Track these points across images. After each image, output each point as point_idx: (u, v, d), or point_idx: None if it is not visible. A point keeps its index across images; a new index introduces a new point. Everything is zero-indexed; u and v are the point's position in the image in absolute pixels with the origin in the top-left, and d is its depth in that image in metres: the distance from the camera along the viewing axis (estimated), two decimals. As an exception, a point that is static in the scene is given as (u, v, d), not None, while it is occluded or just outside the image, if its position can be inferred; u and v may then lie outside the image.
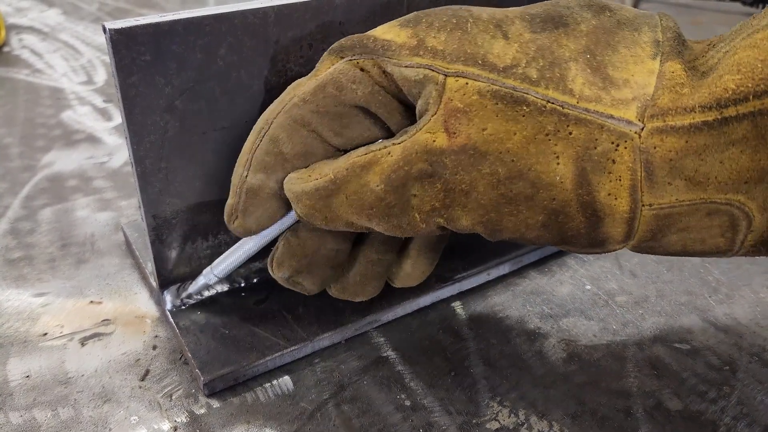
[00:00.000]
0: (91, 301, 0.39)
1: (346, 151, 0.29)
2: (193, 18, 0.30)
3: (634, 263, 0.43)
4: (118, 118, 0.62)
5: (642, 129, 0.25)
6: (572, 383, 0.34)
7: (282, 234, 0.32)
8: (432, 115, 0.26)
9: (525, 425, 0.32)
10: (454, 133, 0.26)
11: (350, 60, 0.28)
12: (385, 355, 0.36)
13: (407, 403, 0.33)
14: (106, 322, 0.37)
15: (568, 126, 0.25)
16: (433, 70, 0.26)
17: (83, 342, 0.36)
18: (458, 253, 0.41)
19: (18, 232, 0.45)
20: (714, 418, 0.32)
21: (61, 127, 0.60)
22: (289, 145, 0.29)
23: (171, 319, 0.36)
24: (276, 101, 0.30)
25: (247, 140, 0.30)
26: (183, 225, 0.35)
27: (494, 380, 0.34)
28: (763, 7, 0.90)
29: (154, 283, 0.37)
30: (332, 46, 0.29)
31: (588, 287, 0.41)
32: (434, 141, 0.26)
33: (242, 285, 0.38)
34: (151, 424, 0.31)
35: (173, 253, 0.36)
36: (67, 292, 0.40)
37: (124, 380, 0.34)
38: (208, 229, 0.36)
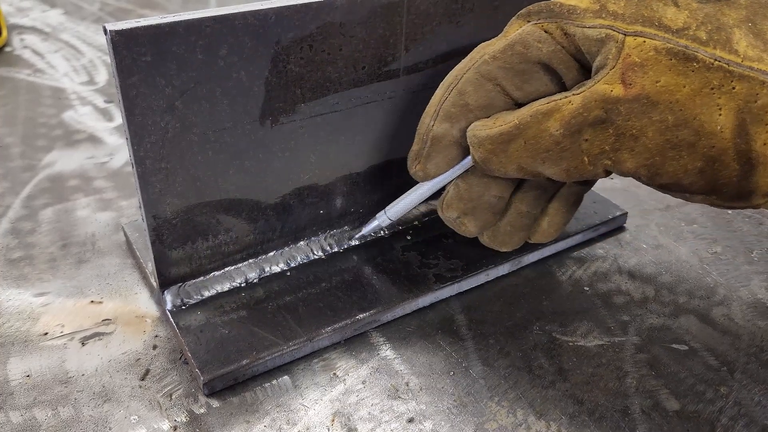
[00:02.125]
0: (92, 301, 0.39)
1: (521, 105, 0.33)
2: (193, 19, 0.30)
3: (632, 264, 0.43)
4: (119, 118, 0.62)
5: None
6: (570, 383, 0.34)
7: (452, 181, 0.36)
8: (611, 69, 0.30)
9: (523, 425, 0.32)
10: (630, 84, 0.29)
11: (536, 23, 0.32)
12: (384, 355, 0.36)
13: (406, 403, 0.33)
14: (106, 321, 0.38)
15: (732, 81, 0.29)
16: (614, 30, 0.30)
17: (83, 341, 0.36)
18: (457, 254, 0.41)
19: (19, 232, 0.45)
20: (711, 418, 0.32)
21: (63, 127, 0.60)
22: (474, 98, 0.33)
23: (171, 319, 0.36)
24: (465, 60, 0.34)
25: (434, 94, 0.35)
26: (183, 225, 0.35)
27: (492, 380, 0.34)
28: None
29: (155, 283, 0.37)
30: (520, 11, 0.33)
31: (586, 288, 0.41)
32: (611, 91, 0.30)
33: (242, 285, 0.38)
34: (151, 424, 0.31)
35: (174, 254, 0.36)
36: (67, 291, 0.40)
37: (125, 380, 0.34)
38: (209, 229, 0.36)
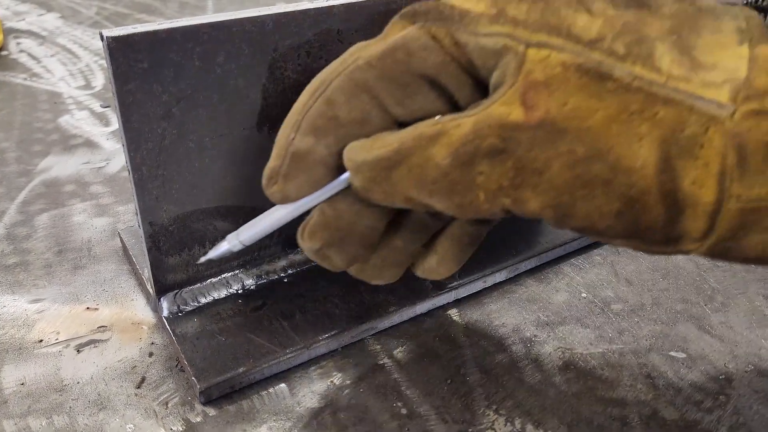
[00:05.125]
0: (88, 308, 0.39)
1: (404, 124, 0.28)
2: (190, 26, 0.30)
3: (630, 271, 0.43)
4: (115, 123, 0.62)
5: (734, 112, 0.24)
6: (568, 391, 0.34)
7: (317, 205, 0.30)
8: (509, 87, 0.25)
9: (521, 434, 0.32)
10: (532, 107, 0.25)
11: (423, 26, 0.26)
12: (381, 362, 0.36)
13: (403, 411, 0.33)
14: (102, 328, 0.37)
15: (654, 106, 0.24)
16: (513, 39, 0.25)
17: (79, 349, 0.36)
18: (455, 260, 0.41)
19: (14, 238, 0.45)
20: (710, 427, 0.32)
21: (59, 132, 0.60)
22: (346, 110, 0.27)
23: (167, 326, 0.36)
24: (336, 62, 0.28)
25: (298, 100, 0.29)
26: (180, 232, 0.35)
27: (490, 388, 0.34)
28: (763, 14, 0.90)
29: (151, 290, 0.37)
30: (404, 9, 0.28)
31: (584, 295, 0.41)
32: (509, 115, 0.25)
33: (239, 292, 0.38)
34: (146, 432, 0.31)
35: (170, 260, 0.36)
36: (63, 298, 0.40)
37: (120, 387, 0.34)
38: (205, 236, 0.36)
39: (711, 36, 0.25)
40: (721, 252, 0.26)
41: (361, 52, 0.27)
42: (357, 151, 0.28)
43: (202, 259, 0.35)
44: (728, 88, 0.24)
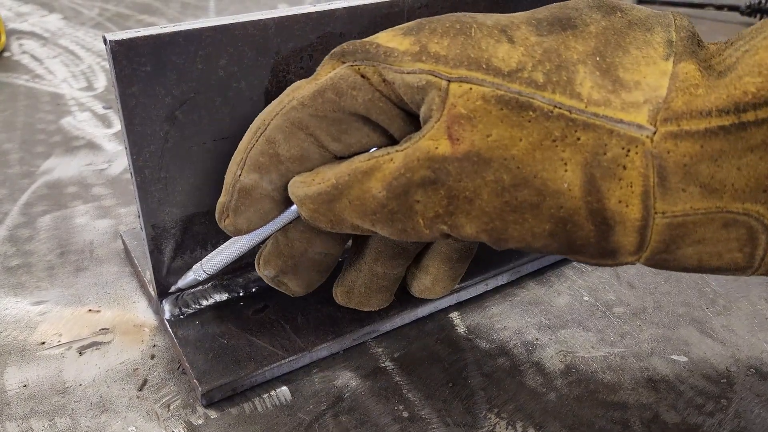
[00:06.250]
0: (90, 310, 0.39)
1: (343, 158, 0.29)
2: (193, 29, 0.30)
3: (632, 274, 0.43)
4: (117, 124, 0.62)
5: (654, 133, 0.24)
6: (569, 395, 0.34)
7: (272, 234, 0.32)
8: (435, 122, 0.26)
9: (522, 437, 0.32)
10: (458, 140, 0.25)
11: (351, 66, 0.27)
12: (383, 365, 0.36)
13: (405, 414, 0.33)
14: (104, 330, 0.37)
15: (575, 131, 0.25)
16: (435, 76, 0.26)
17: (81, 351, 0.36)
18: (457, 263, 0.41)
19: (17, 240, 0.45)
20: (711, 431, 0.32)
21: (61, 134, 0.60)
22: (286, 147, 0.29)
23: (169, 329, 0.36)
24: (274, 102, 0.29)
25: (242, 139, 0.30)
26: (182, 234, 0.35)
27: (492, 391, 0.34)
28: (761, 17, 0.91)
29: (153, 292, 0.37)
30: (334, 50, 0.29)
31: (586, 298, 0.41)
32: (437, 148, 0.26)
33: (241, 294, 0.38)
34: (148, 435, 0.31)
35: (172, 263, 0.36)
36: (65, 300, 0.40)
37: (122, 390, 0.34)
38: (207, 238, 0.36)
39: (637, 51, 0.26)
40: (660, 263, 0.27)
41: (295, 92, 0.29)
42: (298, 186, 0.29)
43: (173, 288, 0.36)
44: (648, 109, 0.25)
